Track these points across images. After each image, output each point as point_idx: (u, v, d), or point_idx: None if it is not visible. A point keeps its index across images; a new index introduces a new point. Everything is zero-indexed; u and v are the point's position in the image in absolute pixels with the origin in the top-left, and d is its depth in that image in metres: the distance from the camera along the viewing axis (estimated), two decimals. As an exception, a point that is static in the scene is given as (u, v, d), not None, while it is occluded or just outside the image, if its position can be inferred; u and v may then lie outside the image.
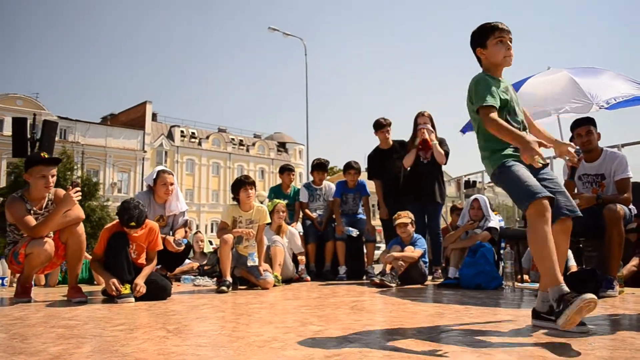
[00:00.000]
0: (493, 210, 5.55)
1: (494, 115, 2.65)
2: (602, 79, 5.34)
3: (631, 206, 4.29)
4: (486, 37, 2.81)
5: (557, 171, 7.94)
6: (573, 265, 5.20)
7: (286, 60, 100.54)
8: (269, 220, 5.27)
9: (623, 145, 7.97)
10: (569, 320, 2.29)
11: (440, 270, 5.83)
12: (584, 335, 2.28)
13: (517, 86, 5.73)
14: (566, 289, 2.38)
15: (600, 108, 5.02)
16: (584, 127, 4.40)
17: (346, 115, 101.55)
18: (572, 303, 2.27)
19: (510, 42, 2.81)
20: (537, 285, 4.57)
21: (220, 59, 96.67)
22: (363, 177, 6.52)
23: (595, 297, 2.29)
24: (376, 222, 6.92)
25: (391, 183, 6.31)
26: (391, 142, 6.40)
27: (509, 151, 2.70)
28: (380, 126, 6.44)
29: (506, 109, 2.77)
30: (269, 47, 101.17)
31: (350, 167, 6.48)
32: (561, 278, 2.42)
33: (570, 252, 5.21)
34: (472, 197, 5.70)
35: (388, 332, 2.53)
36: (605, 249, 4.12)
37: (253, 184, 5.17)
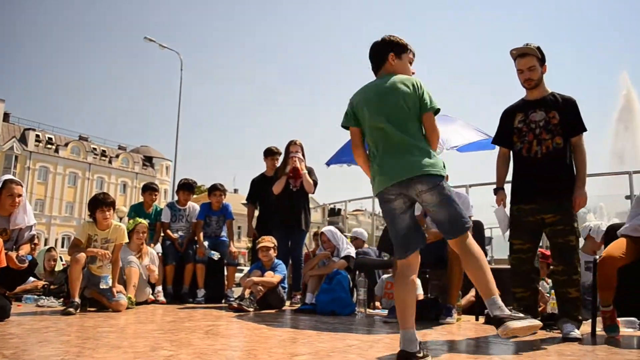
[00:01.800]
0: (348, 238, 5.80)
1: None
2: (452, 125, 5.90)
3: (471, 241, 4.74)
4: (404, 51, 2.93)
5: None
6: (420, 293, 5.59)
7: (161, 72, 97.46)
8: (126, 240, 5.06)
9: (470, 186, 8.82)
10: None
11: (299, 296, 5.96)
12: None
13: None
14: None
15: (448, 150, 5.54)
16: None
17: (219, 135, 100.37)
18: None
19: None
20: (386, 312, 4.86)
21: (88, 62, 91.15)
22: (234, 199, 6.52)
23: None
24: (241, 245, 6.93)
25: (269, 208, 6.37)
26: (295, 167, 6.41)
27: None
28: (272, 153, 6.57)
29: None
30: (144, 58, 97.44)
31: (216, 189, 6.45)
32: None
33: (418, 281, 5.61)
34: (321, 231, 5.93)
35: (239, 358, 2.55)
36: (447, 279, 4.52)
37: (112, 204, 4.92)
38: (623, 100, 21.66)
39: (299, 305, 5.55)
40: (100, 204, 4.86)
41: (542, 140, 3.68)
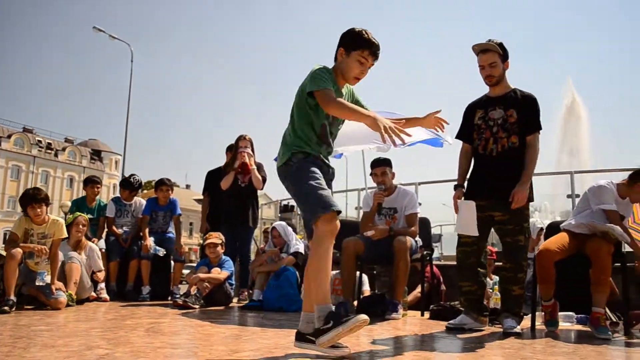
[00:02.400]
0: (297, 234, 5.78)
1: (334, 94, 2.57)
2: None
3: (417, 238, 4.80)
4: (355, 46, 2.70)
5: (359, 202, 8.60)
6: (367, 289, 5.62)
7: (111, 64, 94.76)
8: (65, 235, 4.86)
9: (420, 184, 8.95)
10: (335, 337, 2.34)
11: (246, 293, 5.89)
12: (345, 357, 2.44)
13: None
14: (332, 307, 2.47)
15: (396, 147, 5.58)
16: (379, 168, 4.87)
17: (171, 130, 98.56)
18: (348, 321, 2.33)
19: (370, 67, 2.75)
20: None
21: (34, 50, 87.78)
22: (186, 195, 6.37)
23: (367, 319, 2.39)
24: (193, 242, 6.80)
25: (219, 203, 6.26)
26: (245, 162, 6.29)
27: (313, 151, 2.67)
28: (240, 142, 6.41)
29: (329, 117, 2.70)
30: (93, 48, 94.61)
31: (163, 184, 6.30)
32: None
33: (365, 277, 5.65)
34: (272, 226, 5.91)
35: (178, 355, 2.49)
36: (393, 276, 4.56)
37: (43, 200, 4.67)
38: (567, 105, 22.51)
39: (246, 302, 5.49)
40: (30, 200, 4.62)
41: (499, 138, 3.70)
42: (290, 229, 5.76)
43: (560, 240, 3.86)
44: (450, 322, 3.78)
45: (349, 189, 12.73)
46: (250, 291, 5.79)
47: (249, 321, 4.03)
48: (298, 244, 5.60)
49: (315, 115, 2.68)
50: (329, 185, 2.74)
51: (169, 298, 5.90)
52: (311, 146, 2.68)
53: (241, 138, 6.07)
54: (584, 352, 2.91)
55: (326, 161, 2.77)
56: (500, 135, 3.69)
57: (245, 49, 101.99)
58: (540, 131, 3.72)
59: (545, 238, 4.59)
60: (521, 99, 3.72)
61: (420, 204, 7.16)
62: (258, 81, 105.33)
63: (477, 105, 3.87)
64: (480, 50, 3.74)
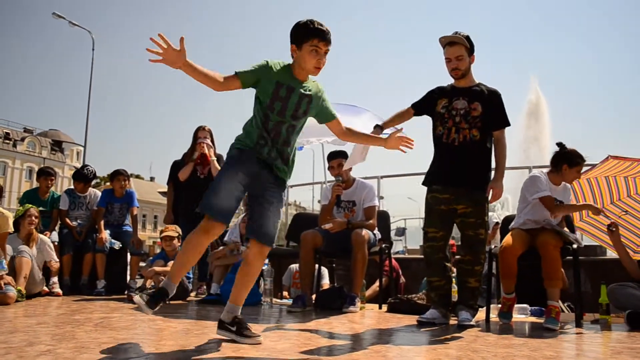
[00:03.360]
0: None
1: (232, 78, 2.67)
2: (361, 117, 5.96)
3: (376, 231, 4.80)
4: (303, 39, 2.68)
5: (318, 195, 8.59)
6: (326, 283, 5.61)
7: (72, 52, 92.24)
8: (10, 229, 4.69)
9: (382, 177, 8.99)
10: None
11: (204, 286, 5.81)
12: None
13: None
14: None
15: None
16: (335, 160, 4.85)
17: (135, 121, 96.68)
18: (246, 337, 2.65)
19: (327, 52, 2.72)
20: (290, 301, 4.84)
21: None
22: (150, 187, 6.22)
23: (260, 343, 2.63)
24: (157, 235, 6.66)
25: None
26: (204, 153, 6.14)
27: (250, 148, 2.73)
28: (199, 132, 6.24)
29: (268, 103, 2.70)
30: (53, 35, 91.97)
31: (119, 174, 6.14)
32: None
33: (325, 270, 5.63)
34: (243, 215, 5.85)
35: (122, 350, 2.41)
36: (351, 269, 4.55)
37: None
38: (531, 101, 23.02)
39: (204, 295, 5.41)
40: None
41: (461, 129, 3.70)
42: None
43: (516, 236, 3.91)
44: (422, 316, 3.74)
45: (315, 182, 12.73)
46: (208, 285, 5.71)
47: (204, 315, 3.97)
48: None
49: (256, 109, 2.75)
50: (264, 191, 2.78)
51: (125, 292, 5.77)
52: (249, 143, 2.73)
53: (200, 129, 5.96)
54: (535, 344, 2.95)
55: (268, 163, 2.76)
56: (463, 126, 3.70)
57: (212, 37, 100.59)
58: (508, 127, 3.76)
59: (502, 232, 4.65)
60: (487, 94, 3.74)
61: (382, 198, 7.20)
62: (224, 67, 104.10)
63: (442, 93, 3.85)
64: (447, 42, 3.74)
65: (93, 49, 23.03)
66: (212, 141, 5.96)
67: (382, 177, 8.92)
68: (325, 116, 2.98)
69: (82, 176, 6.25)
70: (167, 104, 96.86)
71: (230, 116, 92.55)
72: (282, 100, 2.70)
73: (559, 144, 4.08)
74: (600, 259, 6.30)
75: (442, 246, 3.78)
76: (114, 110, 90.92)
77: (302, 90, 2.76)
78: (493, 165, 3.79)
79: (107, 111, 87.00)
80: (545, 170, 4.18)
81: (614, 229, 4.29)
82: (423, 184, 3.88)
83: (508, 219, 4.62)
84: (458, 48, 3.71)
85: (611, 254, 5.49)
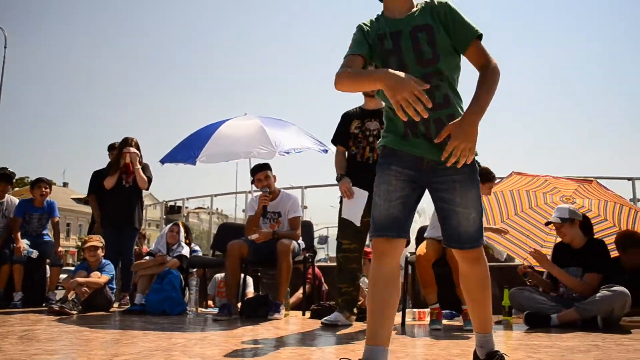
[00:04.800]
0: (186, 239, 5.74)
1: (340, 70, 2.00)
2: (287, 131, 6.18)
3: (300, 240, 5.01)
4: None
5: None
6: (250, 291, 5.74)
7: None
8: None
9: (306, 187, 9.24)
10: None
11: (128, 297, 5.78)
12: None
13: (216, 126, 6.16)
14: None
15: (280, 155, 5.80)
16: (262, 173, 5.04)
17: (48, 123, 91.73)
18: None
19: None
20: (217, 310, 4.94)
21: None
22: (64, 193, 6.11)
23: None
24: (70, 244, 6.53)
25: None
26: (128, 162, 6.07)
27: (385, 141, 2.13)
28: (114, 148, 6.28)
29: (382, 59, 2.05)
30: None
31: (41, 181, 6.00)
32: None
33: (250, 279, 5.77)
34: (173, 222, 5.90)
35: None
36: (276, 277, 4.73)
37: None
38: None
39: (128, 306, 5.40)
40: None
41: (374, 147, 4.03)
42: (184, 231, 5.73)
43: (431, 244, 4.23)
44: (325, 318, 4.03)
45: (238, 191, 12.78)
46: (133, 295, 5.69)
47: (130, 325, 4.00)
48: (184, 246, 5.60)
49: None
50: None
51: (44, 304, 5.64)
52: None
53: (127, 139, 5.99)
54: (444, 343, 3.25)
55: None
56: (376, 145, 3.98)
57: (135, 36, 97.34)
58: None
59: (417, 241, 4.99)
60: None
61: (306, 207, 7.43)
62: (150, 75, 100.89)
63: (353, 116, 4.20)
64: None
65: (5, 47, 21.91)
66: (139, 150, 5.98)
67: (306, 187, 9.19)
68: (463, 39, 2.01)
69: (5, 176, 6.02)
70: (83, 107, 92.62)
71: (151, 125, 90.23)
72: (393, 52, 2.02)
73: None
74: (506, 265, 6.79)
75: (356, 257, 4.10)
76: (26, 111, 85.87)
77: (411, 27, 2.01)
78: None
79: (20, 112, 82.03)
80: None
81: (535, 255, 4.64)
82: (340, 202, 4.15)
83: (422, 229, 4.96)
84: None
85: (518, 260, 5.95)
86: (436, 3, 2.04)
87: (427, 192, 2.09)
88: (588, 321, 3.94)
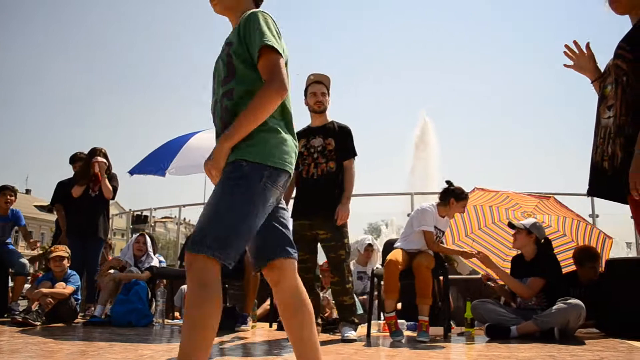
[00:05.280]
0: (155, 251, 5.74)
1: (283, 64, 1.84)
2: (197, 137, 6.25)
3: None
4: None
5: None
6: (219, 303, 5.75)
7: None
8: None
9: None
10: None
11: (93, 308, 5.72)
12: None
13: (186, 138, 6.20)
14: None
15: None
16: None
17: (10, 127, 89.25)
18: None
19: None
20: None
21: None
22: (26, 200, 6.03)
23: None
24: (31, 252, 6.43)
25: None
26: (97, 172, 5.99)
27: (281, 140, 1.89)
28: (79, 160, 6.26)
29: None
30: None
31: (5, 189, 5.93)
32: None
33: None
34: (139, 233, 5.88)
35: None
36: (244, 290, 4.78)
37: None
38: (417, 134, 24.89)
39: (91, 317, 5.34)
40: None
41: (319, 163, 4.18)
42: (150, 241, 5.72)
43: (401, 253, 4.36)
44: None
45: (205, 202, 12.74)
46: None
47: (96, 337, 3.99)
48: (154, 257, 5.58)
49: None
50: None
51: (6, 315, 5.55)
52: None
53: (94, 149, 5.99)
54: (407, 354, 3.35)
55: None
56: (320, 160, 4.19)
57: (99, 43, 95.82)
58: (356, 157, 4.28)
59: (385, 253, 5.10)
60: (338, 130, 4.27)
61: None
62: (115, 83, 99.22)
63: (300, 135, 4.31)
64: (316, 80, 4.30)
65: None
66: (107, 159, 5.97)
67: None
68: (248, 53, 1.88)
69: None
70: (47, 111, 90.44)
71: (116, 134, 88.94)
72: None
73: (448, 182, 4.64)
74: (471, 278, 6.94)
75: (309, 267, 4.21)
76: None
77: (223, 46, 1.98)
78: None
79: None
80: (434, 202, 4.68)
81: (480, 257, 4.79)
82: (292, 218, 4.24)
83: (390, 242, 5.09)
84: (323, 86, 4.30)
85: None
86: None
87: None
88: (546, 333, 4.10)
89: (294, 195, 4.35)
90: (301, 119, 4.44)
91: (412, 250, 4.43)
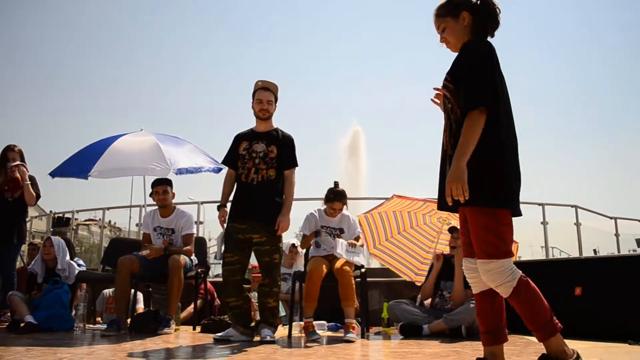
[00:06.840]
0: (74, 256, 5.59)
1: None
2: (182, 149, 6.27)
3: (193, 256, 5.13)
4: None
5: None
6: (140, 307, 5.72)
7: None
8: None
9: (202, 203, 9.30)
10: None
11: (9, 314, 5.53)
12: None
13: (110, 141, 6.12)
14: None
15: (174, 173, 5.89)
16: (162, 187, 5.14)
17: None
18: None
19: None
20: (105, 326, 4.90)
21: None
22: None
23: None
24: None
25: None
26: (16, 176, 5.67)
27: None
28: (8, 150, 5.75)
29: None
30: None
31: None
32: None
33: (140, 295, 5.76)
34: (46, 238, 5.70)
35: None
36: (167, 293, 4.81)
37: None
38: (348, 144, 25.50)
39: (8, 323, 5.18)
40: None
41: (259, 169, 4.25)
42: (64, 244, 5.50)
43: (320, 261, 4.52)
44: (217, 334, 4.16)
45: (133, 205, 12.47)
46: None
47: (13, 342, 3.91)
48: (72, 263, 5.45)
49: None
50: None
51: None
52: None
53: (9, 149, 5.68)
54: (323, 351, 3.52)
55: None
56: (261, 167, 4.26)
57: (21, 39, 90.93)
58: (297, 167, 4.37)
59: (305, 257, 5.27)
60: (282, 138, 4.37)
61: (202, 223, 7.52)
62: (39, 80, 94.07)
63: (243, 137, 4.42)
64: (263, 87, 4.37)
65: None
66: (24, 161, 5.69)
67: (202, 202, 9.25)
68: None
69: None
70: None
71: (39, 134, 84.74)
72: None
73: (335, 183, 4.85)
74: (393, 280, 7.20)
75: (238, 269, 4.25)
76: None
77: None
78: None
79: None
80: (321, 206, 4.93)
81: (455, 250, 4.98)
82: (228, 219, 4.32)
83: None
84: (270, 94, 4.38)
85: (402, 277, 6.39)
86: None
87: None
88: (454, 330, 4.41)
89: (231, 198, 4.41)
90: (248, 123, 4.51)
91: (325, 255, 4.62)
